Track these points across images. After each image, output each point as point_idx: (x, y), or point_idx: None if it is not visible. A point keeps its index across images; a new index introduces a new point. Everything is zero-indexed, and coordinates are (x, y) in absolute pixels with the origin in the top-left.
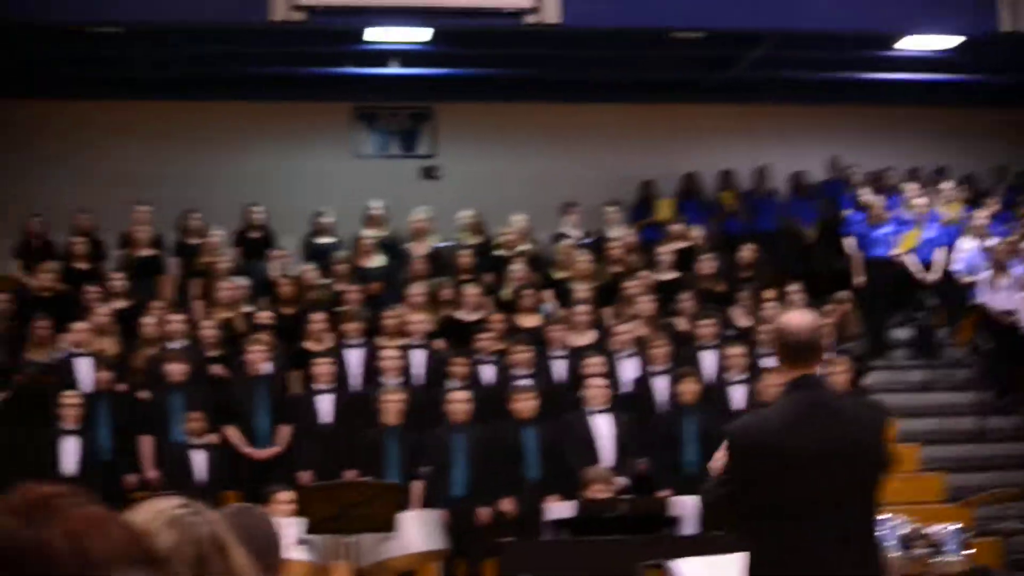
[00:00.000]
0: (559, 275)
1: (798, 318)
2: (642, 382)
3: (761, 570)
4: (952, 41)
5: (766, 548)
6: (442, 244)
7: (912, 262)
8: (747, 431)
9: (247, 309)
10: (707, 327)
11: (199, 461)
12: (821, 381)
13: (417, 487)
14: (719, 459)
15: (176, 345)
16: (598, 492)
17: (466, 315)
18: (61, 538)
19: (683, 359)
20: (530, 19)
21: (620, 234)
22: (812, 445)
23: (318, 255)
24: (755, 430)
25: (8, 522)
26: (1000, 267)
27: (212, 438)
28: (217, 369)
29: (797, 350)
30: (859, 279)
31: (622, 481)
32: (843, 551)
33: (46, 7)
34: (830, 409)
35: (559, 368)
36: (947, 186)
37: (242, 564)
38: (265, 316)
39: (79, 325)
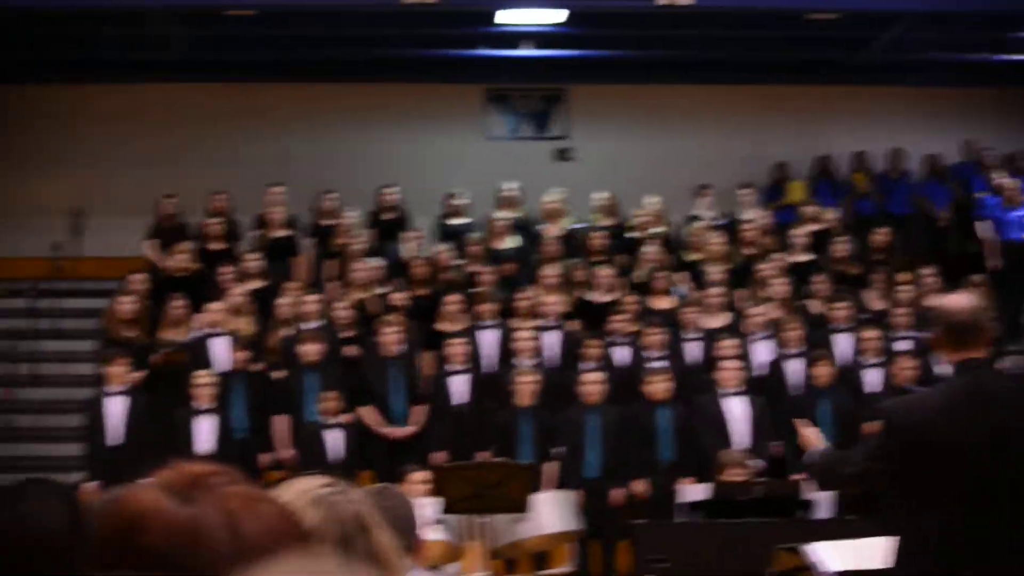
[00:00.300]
0: (693, 257)
1: (959, 299)
2: (776, 365)
3: (913, 559)
4: None
5: (918, 537)
6: (575, 225)
7: None
8: (904, 413)
9: (381, 290)
10: (841, 310)
11: (334, 441)
12: (988, 365)
13: (550, 468)
14: (808, 437)
15: (311, 325)
16: (734, 475)
17: (600, 297)
18: (215, 516)
19: (817, 342)
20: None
21: (754, 216)
22: (975, 432)
23: (451, 236)
24: (913, 413)
25: (164, 500)
26: None
27: (347, 418)
28: (351, 350)
29: (960, 332)
30: (993, 262)
31: (756, 464)
32: (1003, 543)
33: None
34: (997, 394)
35: (693, 350)
36: None
37: (385, 543)
38: (399, 297)
39: (214, 305)
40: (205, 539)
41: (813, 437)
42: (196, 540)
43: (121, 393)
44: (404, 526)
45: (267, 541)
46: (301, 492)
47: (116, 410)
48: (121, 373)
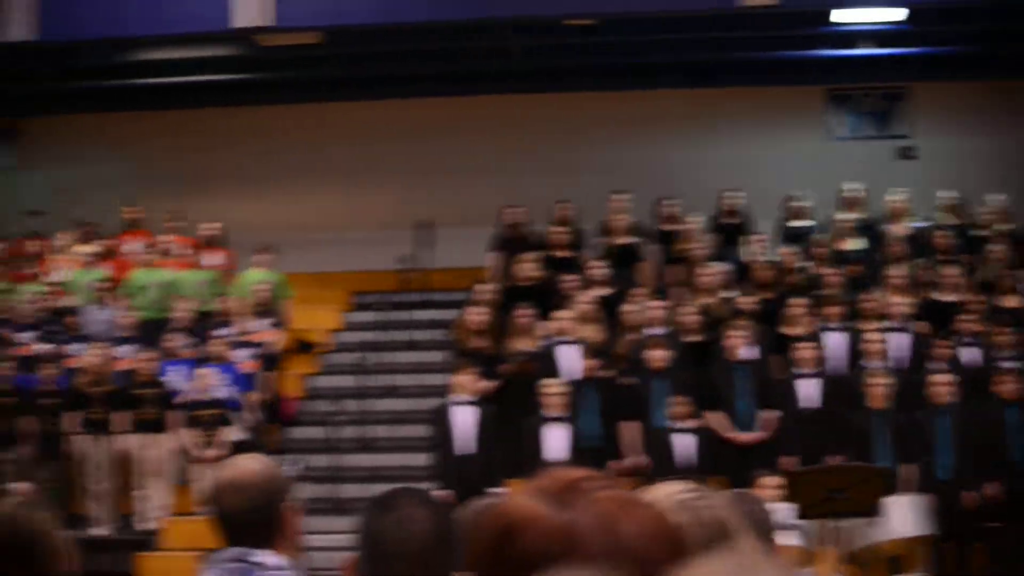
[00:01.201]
0: None
1: None
2: None
3: None
4: None
5: None
6: (920, 225)
7: None
8: None
9: (726, 294)
10: None
11: (684, 446)
12: None
13: (907, 471)
14: None
15: (657, 331)
16: None
17: (946, 296)
18: (591, 521)
19: None
20: None
21: None
22: None
23: (794, 239)
24: None
25: (540, 506)
26: None
27: (696, 423)
28: (698, 355)
29: None
30: None
31: None
32: None
33: (524, 4)
34: None
35: None
36: None
37: (747, 548)
38: (746, 301)
39: (562, 313)
40: (582, 544)
41: None
42: (572, 545)
43: (469, 403)
44: (764, 531)
45: (644, 545)
46: (664, 497)
47: (464, 420)
48: (469, 383)
